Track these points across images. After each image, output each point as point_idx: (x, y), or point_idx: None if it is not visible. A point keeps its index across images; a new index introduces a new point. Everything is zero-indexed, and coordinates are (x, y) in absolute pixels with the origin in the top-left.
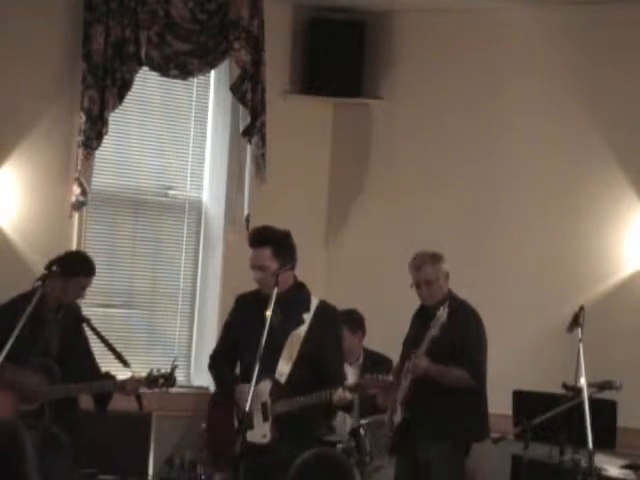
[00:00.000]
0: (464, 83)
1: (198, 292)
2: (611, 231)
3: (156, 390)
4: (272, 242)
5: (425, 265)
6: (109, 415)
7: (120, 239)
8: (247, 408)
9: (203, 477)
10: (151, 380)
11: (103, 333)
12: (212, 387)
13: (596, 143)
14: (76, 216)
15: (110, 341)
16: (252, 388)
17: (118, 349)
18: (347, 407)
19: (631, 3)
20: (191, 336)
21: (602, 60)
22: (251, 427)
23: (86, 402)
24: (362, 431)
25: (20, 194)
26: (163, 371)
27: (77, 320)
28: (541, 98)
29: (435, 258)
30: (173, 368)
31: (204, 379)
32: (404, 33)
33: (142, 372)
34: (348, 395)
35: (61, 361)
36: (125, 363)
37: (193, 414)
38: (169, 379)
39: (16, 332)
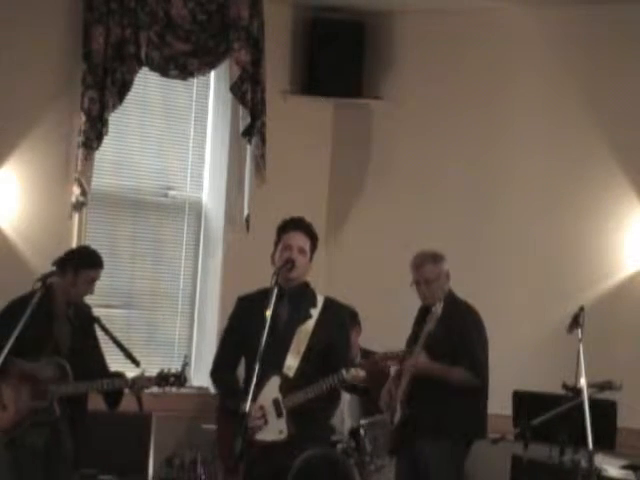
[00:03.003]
0: (464, 83)
1: (198, 292)
2: (611, 231)
3: (166, 389)
4: (311, 234)
5: (425, 264)
6: (109, 415)
7: (120, 239)
8: (247, 408)
9: (203, 477)
10: (162, 378)
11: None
12: (212, 387)
13: (596, 143)
14: (76, 216)
15: (120, 340)
16: (252, 388)
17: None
18: (362, 389)
19: (631, 3)
20: (191, 336)
21: (602, 60)
22: (265, 425)
23: (93, 403)
24: (362, 431)
25: (20, 194)
26: (174, 370)
27: (88, 319)
28: (541, 98)
29: (436, 257)
30: (184, 366)
31: (204, 379)
32: (404, 33)
33: (152, 371)
34: (361, 372)
35: (71, 359)
36: (136, 362)
37: (193, 414)
38: (180, 378)
39: (17, 330)
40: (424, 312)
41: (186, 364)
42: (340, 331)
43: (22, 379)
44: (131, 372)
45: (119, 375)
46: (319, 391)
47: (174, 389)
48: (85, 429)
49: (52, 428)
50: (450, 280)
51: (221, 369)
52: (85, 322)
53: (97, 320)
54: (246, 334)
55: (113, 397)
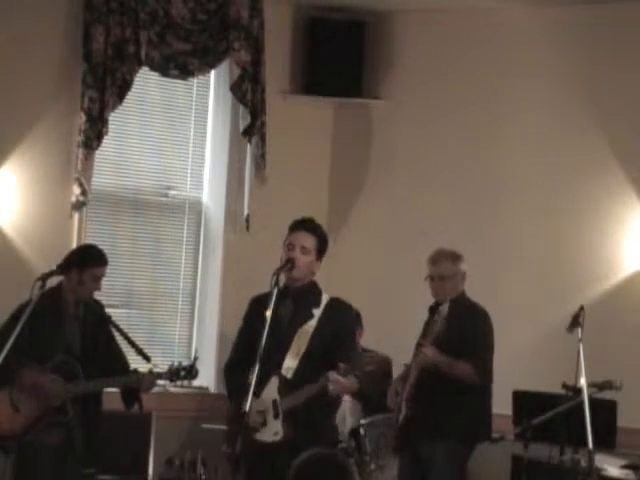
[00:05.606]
0: (464, 83)
1: (198, 292)
2: (611, 231)
3: (178, 383)
4: (317, 234)
5: (443, 260)
6: (109, 415)
7: (120, 239)
8: (247, 408)
9: (203, 477)
10: (173, 373)
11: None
12: (212, 387)
13: (596, 142)
14: (76, 216)
15: (132, 338)
16: (252, 388)
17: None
18: (361, 395)
19: (631, 3)
20: (191, 336)
21: (602, 60)
22: (264, 425)
23: (108, 403)
24: (362, 431)
25: (20, 194)
26: (185, 364)
27: (99, 318)
28: (541, 98)
29: (454, 257)
30: (195, 359)
31: (204, 379)
32: (404, 33)
33: (162, 367)
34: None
35: (84, 359)
36: (147, 359)
37: (193, 414)
38: (191, 371)
39: (17, 330)
40: (434, 311)
41: (197, 357)
42: (344, 331)
43: (33, 382)
44: (142, 368)
45: (135, 373)
46: (308, 394)
47: (177, 387)
48: (99, 429)
49: (66, 428)
50: (465, 281)
51: (233, 368)
52: (97, 322)
53: (108, 318)
54: (254, 334)
55: (129, 396)
